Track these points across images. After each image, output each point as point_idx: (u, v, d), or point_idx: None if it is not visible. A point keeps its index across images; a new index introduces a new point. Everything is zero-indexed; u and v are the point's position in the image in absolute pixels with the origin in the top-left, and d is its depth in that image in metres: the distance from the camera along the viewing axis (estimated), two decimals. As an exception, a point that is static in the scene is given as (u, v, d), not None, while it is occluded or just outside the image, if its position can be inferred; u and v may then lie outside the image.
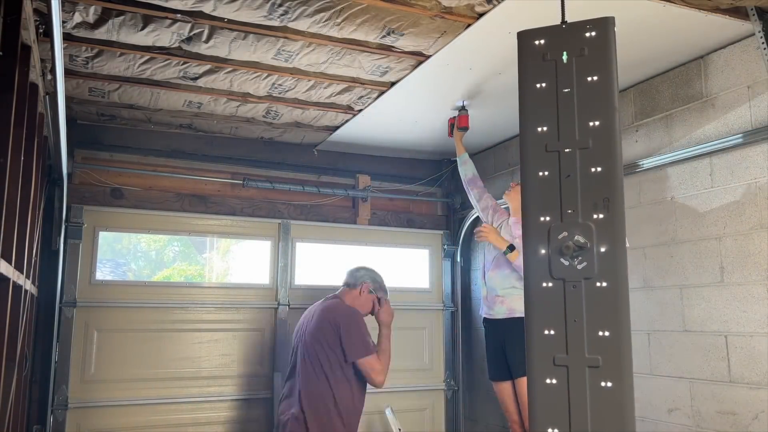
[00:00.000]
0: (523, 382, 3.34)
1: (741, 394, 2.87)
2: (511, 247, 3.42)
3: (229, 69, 3.37)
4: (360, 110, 4.01)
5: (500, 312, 3.48)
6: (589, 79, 1.31)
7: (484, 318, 3.63)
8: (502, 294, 3.50)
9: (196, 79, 3.48)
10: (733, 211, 2.97)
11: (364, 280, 3.51)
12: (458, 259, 5.13)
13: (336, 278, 4.96)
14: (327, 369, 3.22)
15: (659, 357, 3.30)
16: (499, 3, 2.64)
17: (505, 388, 3.48)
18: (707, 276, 3.07)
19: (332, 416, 3.19)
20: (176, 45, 3.08)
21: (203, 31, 2.93)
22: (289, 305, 4.58)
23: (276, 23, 2.84)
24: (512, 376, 3.44)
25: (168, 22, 2.83)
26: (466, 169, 3.94)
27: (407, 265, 5.28)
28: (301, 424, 3.16)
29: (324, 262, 5.01)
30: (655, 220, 3.37)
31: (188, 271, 10.90)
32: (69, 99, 3.71)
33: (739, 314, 2.91)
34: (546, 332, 1.18)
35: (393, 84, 3.58)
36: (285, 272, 4.62)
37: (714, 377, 3.00)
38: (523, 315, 3.66)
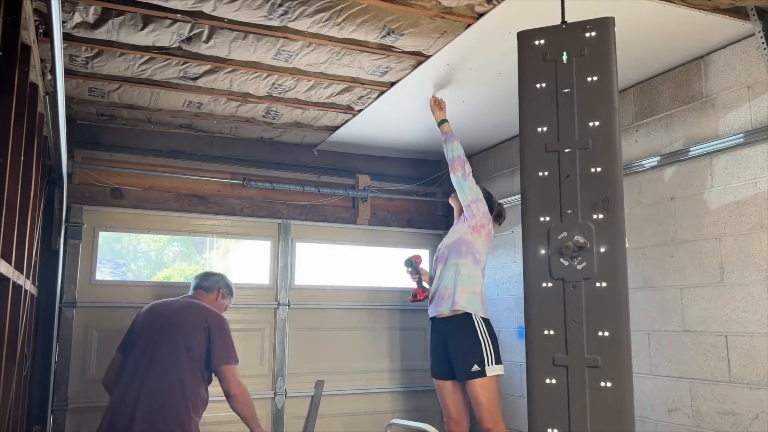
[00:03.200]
0: (474, 385, 3.25)
1: (741, 394, 2.87)
2: (444, 120, 3.59)
3: (229, 69, 3.37)
4: (360, 110, 4.01)
5: (446, 308, 3.35)
6: (589, 79, 1.31)
7: (431, 318, 3.51)
8: (449, 285, 3.36)
9: (196, 79, 3.48)
10: (733, 211, 2.97)
11: (219, 285, 3.61)
12: (458, 259, 5.12)
13: (336, 278, 4.97)
14: (187, 365, 3.17)
15: (659, 357, 3.29)
16: (499, 3, 2.64)
17: (445, 386, 3.43)
18: (707, 276, 3.07)
19: (188, 410, 3.14)
20: (176, 45, 3.07)
21: (203, 31, 2.93)
22: (289, 305, 4.58)
23: (276, 23, 2.84)
24: (456, 377, 3.35)
25: (168, 22, 2.83)
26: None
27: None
28: (155, 416, 3.04)
29: (324, 262, 5.01)
30: (655, 220, 3.37)
31: (188, 271, 10.89)
32: (69, 99, 3.71)
33: (739, 314, 2.91)
34: (546, 332, 1.18)
35: (393, 84, 3.58)
36: (285, 272, 4.62)
37: (714, 377, 3.00)
38: (467, 310, 3.58)
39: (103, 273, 8.27)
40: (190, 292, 3.62)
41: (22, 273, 2.53)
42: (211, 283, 3.59)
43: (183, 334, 3.22)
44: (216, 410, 4.29)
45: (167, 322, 3.29)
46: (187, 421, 3.10)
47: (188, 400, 3.12)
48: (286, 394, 4.47)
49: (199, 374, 3.20)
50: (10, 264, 2.15)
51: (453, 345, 3.34)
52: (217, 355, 3.21)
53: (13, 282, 2.25)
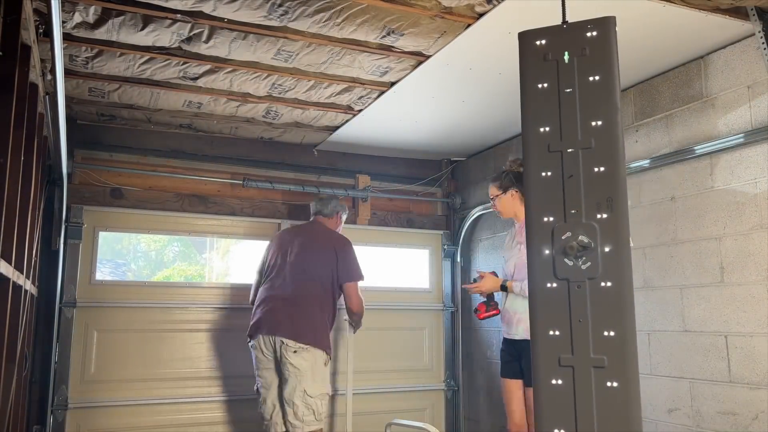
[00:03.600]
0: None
1: (741, 394, 2.87)
2: (504, 285, 3.26)
3: (229, 69, 3.37)
4: (360, 110, 4.01)
5: (518, 333, 3.24)
6: (591, 78, 1.31)
7: (504, 338, 3.39)
8: (521, 311, 3.24)
9: (196, 79, 3.48)
10: (733, 211, 2.97)
11: (337, 210, 4.08)
12: (458, 259, 5.13)
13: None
14: (321, 282, 3.71)
15: (659, 357, 3.30)
16: (499, 3, 2.64)
17: (514, 386, 3.35)
18: (707, 276, 3.07)
19: (324, 320, 3.69)
20: (176, 45, 3.07)
21: (203, 31, 2.93)
22: (289, 305, 4.57)
23: (276, 23, 2.84)
24: (525, 381, 3.33)
25: (168, 22, 2.83)
26: None
27: (407, 265, 5.28)
28: (296, 324, 3.56)
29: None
30: (655, 220, 3.37)
31: (188, 271, 10.89)
32: (69, 99, 3.70)
33: (739, 314, 2.91)
34: (551, 333, 1.18)
35: (393, 84, 3.58)
36: (285, 272, 4.62)
37: (714, 377, 3.00)
38: None
39: (103, 273, 8.27)
40: (311, 218, 4.09)
41: (22, 273, 2.53)
42: (330, 210, 4.04)
43: (317, 255, 3.76)
44: (216, 410, 4.31)
45: (301, 244, 3.80)
46: (322, 328, 3.65)
47: (324, 311, 3.69)
48: (286, 394, 4.45)
49: (330, 290, 3.75)
50: (10, 264, 2.15)
51: (526, 360, 3.27)
52: (342, 274, 3.76)
53: (13, 282, 2.25)
